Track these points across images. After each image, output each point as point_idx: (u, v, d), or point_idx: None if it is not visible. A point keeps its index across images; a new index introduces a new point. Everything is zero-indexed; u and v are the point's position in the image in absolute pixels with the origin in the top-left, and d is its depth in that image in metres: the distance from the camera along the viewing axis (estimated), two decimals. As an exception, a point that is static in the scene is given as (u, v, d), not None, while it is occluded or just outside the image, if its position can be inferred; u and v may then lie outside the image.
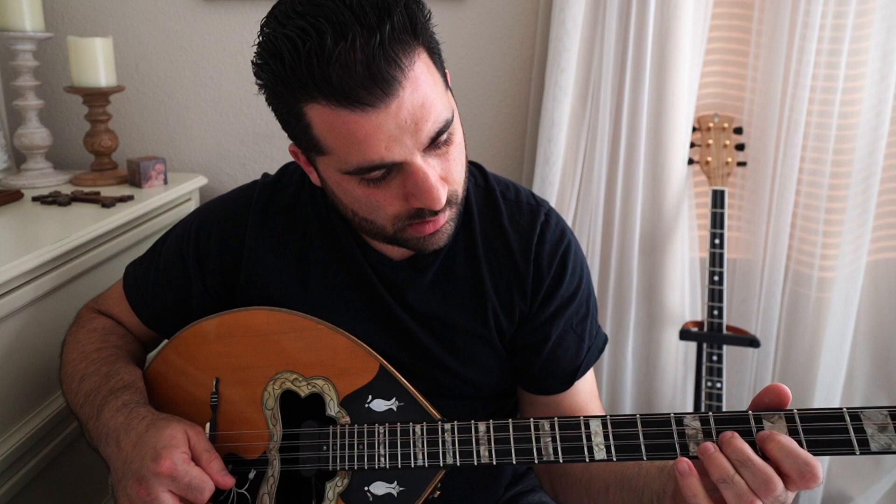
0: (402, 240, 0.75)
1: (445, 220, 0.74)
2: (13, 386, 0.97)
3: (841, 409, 0.63)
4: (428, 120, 0.66)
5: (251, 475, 0.78)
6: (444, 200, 0.69)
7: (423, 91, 0.65)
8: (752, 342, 1.42)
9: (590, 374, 0.90)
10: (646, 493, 0.74)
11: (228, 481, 0.73)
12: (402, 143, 0.65)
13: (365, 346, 0.79)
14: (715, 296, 1.41)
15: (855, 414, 0.62)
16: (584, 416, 0.69)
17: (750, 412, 0.65)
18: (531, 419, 0.71)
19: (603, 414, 0.70)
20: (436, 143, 0.68)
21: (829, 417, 0.63)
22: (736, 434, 0.63)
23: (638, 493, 0.75)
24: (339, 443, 0.75)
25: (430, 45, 0.68)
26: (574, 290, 0.87)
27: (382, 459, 0.73)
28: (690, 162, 1.47)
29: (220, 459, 0.74)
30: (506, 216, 0.86)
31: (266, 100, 0.71)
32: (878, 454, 0.62)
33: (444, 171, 0.70)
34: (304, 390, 0.78)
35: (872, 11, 1.33)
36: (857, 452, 0.62)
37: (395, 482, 0.74)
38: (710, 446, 0.63)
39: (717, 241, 1.40)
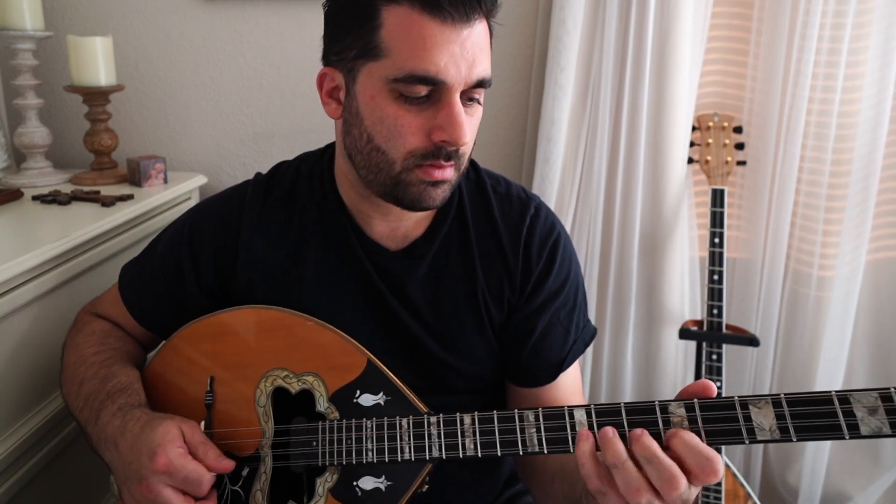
0: (405, 183, 0.75)
1: (450, 177, 0.76)
2: (14, 384, 0.97)
3: (829, 392, 0.61)
4: (481, 64, 0.72)
5: (244, 472, 0.78)
6: (465, 139, 0.72)
7: (483, 41, 0.73)
8: (752, 341, 1.42)
9: (574, 368, 0.90)
10: (577, 485, 0.76)
11: (227, 465, 0.74)
12: (458, 68, 0.70)
13: (353, 341, 0.79)
14: (714, 295, 1.41)
15: (844, 397, 0.60)
16: (569, 406, 0.69)
17: (735, 398, 0.64)
18: (515, 410, 0.71)
19: (587, 403, 0.70)
20: (472, 95, 0.74)
21: (817, 401, 0.61)
22: (645, 432, 0.63)
23: (573, 484, 0.77)
24: (327, 438, 0.76)
25: (490, 25, 0.75)
26: (562, 283, 0.87)
27: (370, 454, 0.73)
28: (690, 161, 1.47)
29: (216, 448, 0.75)
30: (496, 209, 0.88)
31: (330, 10, 0.77)
32: (868, 438, 0.59)
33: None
34: (294, 387, 0.79)
35: (872, 11, 1.33)
36: (847, 437, 0.60)
37: (383, 476, 0.75)
38: (609, 431, 0.64)
39: (716, 240, 1.40)
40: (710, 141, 1.43)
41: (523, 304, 0.86)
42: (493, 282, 0.86)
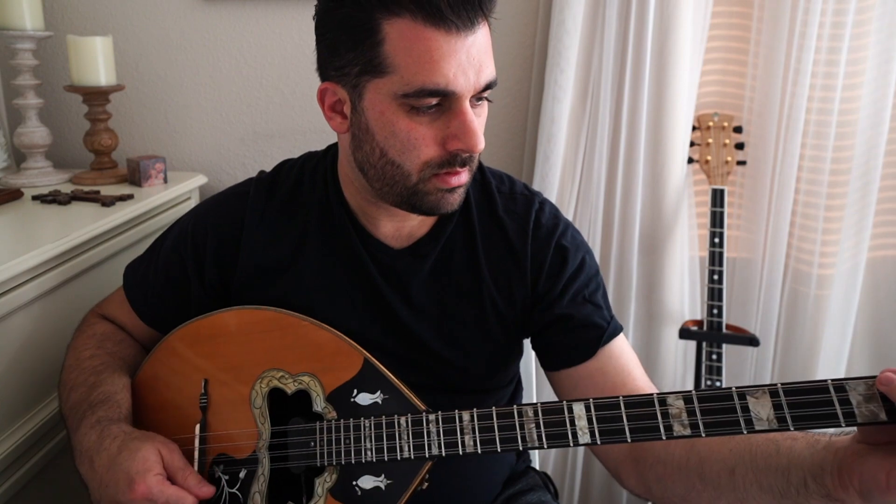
0: (422, 192, 0.75)
1: (465, 181, 0.76)
2: (14, 384, 0.97)
3: (825, 380, 0.61)
4: (487, 68, 0.72)
5: (242, 474, 0.78)
6: (481, 146, 0.72)
7: (487, 44, 0.72)
8: (752, 341, 1.42)
9: (623, 341, 0.85)
10: (793, 472, 0.63)
11: (208, 491, 0.74)
12: (467, 77, 0.70)
13: (349, 340, 0.79)
14: (714, 294, 1.41)
15: (840, 385, 0.60)
16: (568, 401, 0.69)
17: (733, 388, 0.64)
18: (514, 406, 0.70)
19: (586, 398, 0.68)
20: (480, 98, 0.74)
21: (813, 390, 0.61)
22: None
23: (781, 473, 0.64)
24: (325, 438, 0.75)
25: (490, 26, 0.74)
26: (579, 266, 0.87)
27: (369, 453, 0.73)
28: (690, 161, 1.47)
29: (196, 473, 0.75)
30: (501, 207, 0.88)
31: (324, 24, 0.75)
32: (863, 425, 0.59)
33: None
34: (290, 387, 0.79)
35: (872, 10, 1.33)
36: (843, 424, 0.60)
37: (383, 475, 0.75)
38: (893, 377, 0.56)
39: (716, 239, 1.40)
40: (710, 141, 1.43)
41: (543, 295, 0.86)
42: (502, 280, 0.86)
